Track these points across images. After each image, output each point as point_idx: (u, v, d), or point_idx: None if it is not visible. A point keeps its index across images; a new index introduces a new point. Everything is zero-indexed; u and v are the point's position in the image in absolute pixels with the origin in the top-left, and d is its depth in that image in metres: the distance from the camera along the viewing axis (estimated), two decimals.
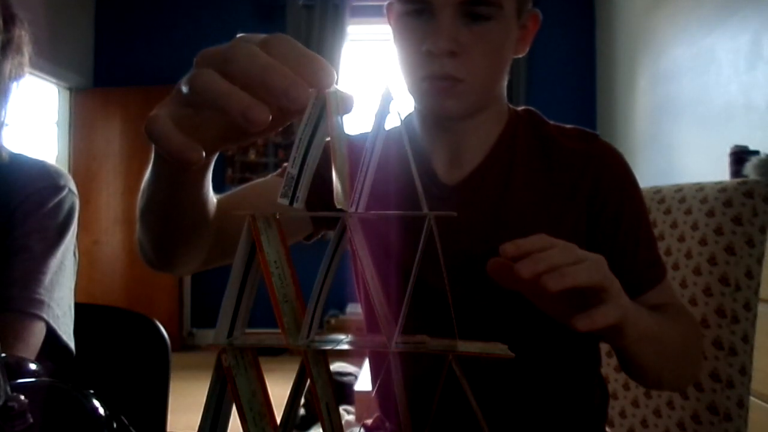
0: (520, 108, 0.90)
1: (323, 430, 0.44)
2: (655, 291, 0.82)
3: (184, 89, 0.42)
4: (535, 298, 0.66)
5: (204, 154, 0.41)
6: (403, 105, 0.95)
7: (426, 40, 0.75)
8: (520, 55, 0.85)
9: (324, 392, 0.43)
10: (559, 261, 0.56)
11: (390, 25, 0.84)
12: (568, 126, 0.88)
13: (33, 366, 0.54)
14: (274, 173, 0.91)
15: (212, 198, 0.66)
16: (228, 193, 0.81)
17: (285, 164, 0.92)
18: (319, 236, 0.94)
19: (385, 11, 0.86)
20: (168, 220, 0.62)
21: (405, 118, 0.92)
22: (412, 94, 0.83)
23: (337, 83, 0.41)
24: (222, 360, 0.40)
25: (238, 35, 0.44)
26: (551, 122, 0.88)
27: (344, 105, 0.42)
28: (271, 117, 0.39)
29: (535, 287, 0.56)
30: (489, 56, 0.78)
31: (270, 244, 0.41)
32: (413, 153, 0.86)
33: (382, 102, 0.44)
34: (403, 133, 0.49)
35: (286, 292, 0.42)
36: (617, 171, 0.84)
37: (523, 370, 0.83)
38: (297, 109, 0.39)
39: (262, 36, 0.43)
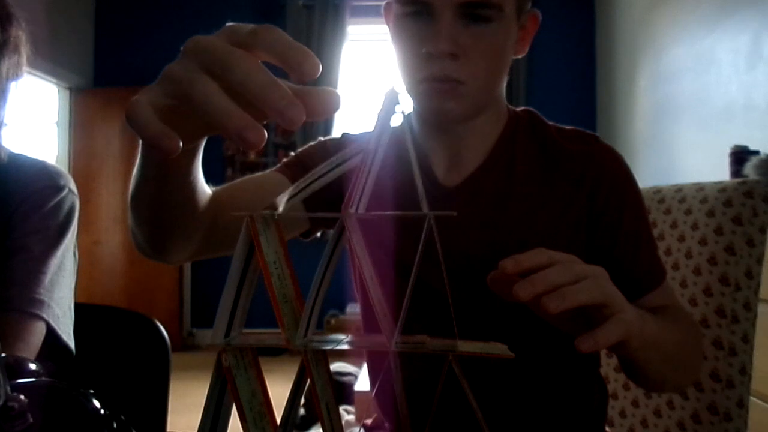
0: (519, 108, 0.90)
1: (323, 430, 0.44)
2: (655, 293, 0.82)
3: (174, 87, 0.42)
4: (537, 312, 0.65)
5: (181, 144, 0.41)
6: (405, 106, 0.95)
7: (426, 42, 0.74)
8: (520, 56, 0.85)
9: (324, 392, 0.43)
10: (559, 280, 0.55)
11: (388, 25, 0.84)
12: (568, 127, 0.88)
13: (33, 366, 0.54)
14: (273, 168, 0.90)
15: (203, 186, 0.66)
16: (225, 185, 0.80)
17: (285, 160, 0.92)
18: (318, 234, 0.94)
19: (382, 11, 0.85)
20: (156, 207, 0.62)
21: (404, 119, 0.91)
22: (411, 96, 0.82)
23: (323, 76, 0.41)
24: (222, 360, 0.40)
25: (228, 24, 0.44)
26: (551, 123, 0.88)
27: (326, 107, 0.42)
28: (266, 136, 0.39)
29: (537, 304, 0.56)
30: (489, 58, 0.77)
31: (269, 245, 0.41)
32: (414, 154, 0.87)
33: (385, 102, 0.44)
34: (407, 132, 0.49)
35: (285, 293, 0.42)
36: (617, 173, 0.84)
37: (523, 370, 0.83)
38: (291, 129, 0.39)
39: (251, 27, 0.42)
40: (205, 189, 0.67)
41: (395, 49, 0.81)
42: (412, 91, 0.81)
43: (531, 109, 0.90)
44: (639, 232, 0.82)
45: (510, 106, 0.89)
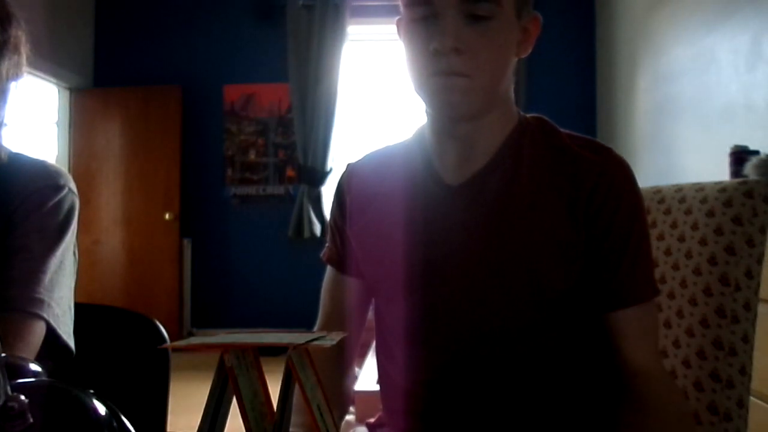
0: (530, 115, 0.92)
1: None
2: (632, 312, 0.82)
3: None
4: None
5: None
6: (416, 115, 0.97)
7: (432, 40, 0.79)
8: (523, 56, 0.87)
9: (314, 395, 0.43)
10: None
11: (400, 37, 0.87)
12: (583, 136, 0.89)
13: (34, 366, 0.54)
14: (325, 253, 0.99)
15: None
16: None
17: (327, 244, 0.99)
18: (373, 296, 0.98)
19: (396, 26, 0.88)
20: None
21: (418, 130, 0.94)
22: (421, 95, 0.84)
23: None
24: (225, 360, 0.40)
25: None
26: (563, 130, 0.89)
27: None
28: None
29: None
30: (491, 53, 0.80)
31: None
32: (421, 158, 0.90)
33: None
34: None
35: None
36: (618, 181, 0.83)
37: (534, 374, 0.84)
38: None
39: None
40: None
41: (406, 52, 0.85)
42: (423, 90, 0.83)
43: (543, 116, 0.92)
44: (626, 244, 0.82)
45: (521, 112, 0.91)
